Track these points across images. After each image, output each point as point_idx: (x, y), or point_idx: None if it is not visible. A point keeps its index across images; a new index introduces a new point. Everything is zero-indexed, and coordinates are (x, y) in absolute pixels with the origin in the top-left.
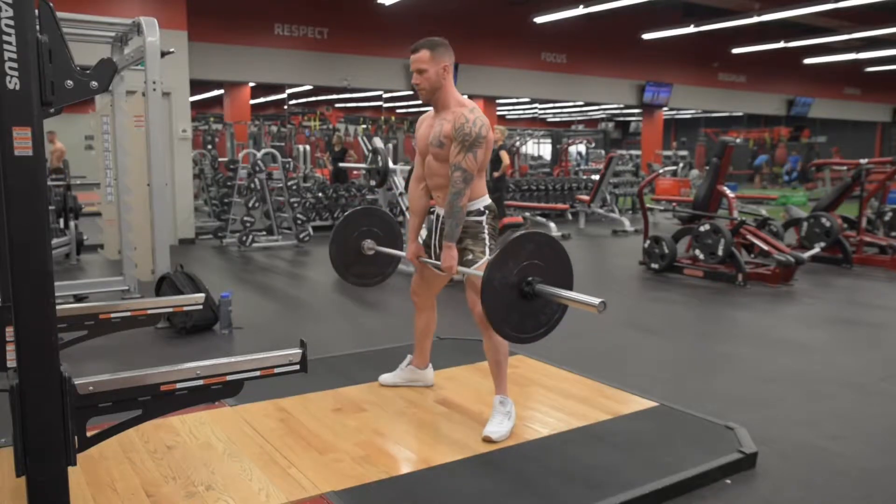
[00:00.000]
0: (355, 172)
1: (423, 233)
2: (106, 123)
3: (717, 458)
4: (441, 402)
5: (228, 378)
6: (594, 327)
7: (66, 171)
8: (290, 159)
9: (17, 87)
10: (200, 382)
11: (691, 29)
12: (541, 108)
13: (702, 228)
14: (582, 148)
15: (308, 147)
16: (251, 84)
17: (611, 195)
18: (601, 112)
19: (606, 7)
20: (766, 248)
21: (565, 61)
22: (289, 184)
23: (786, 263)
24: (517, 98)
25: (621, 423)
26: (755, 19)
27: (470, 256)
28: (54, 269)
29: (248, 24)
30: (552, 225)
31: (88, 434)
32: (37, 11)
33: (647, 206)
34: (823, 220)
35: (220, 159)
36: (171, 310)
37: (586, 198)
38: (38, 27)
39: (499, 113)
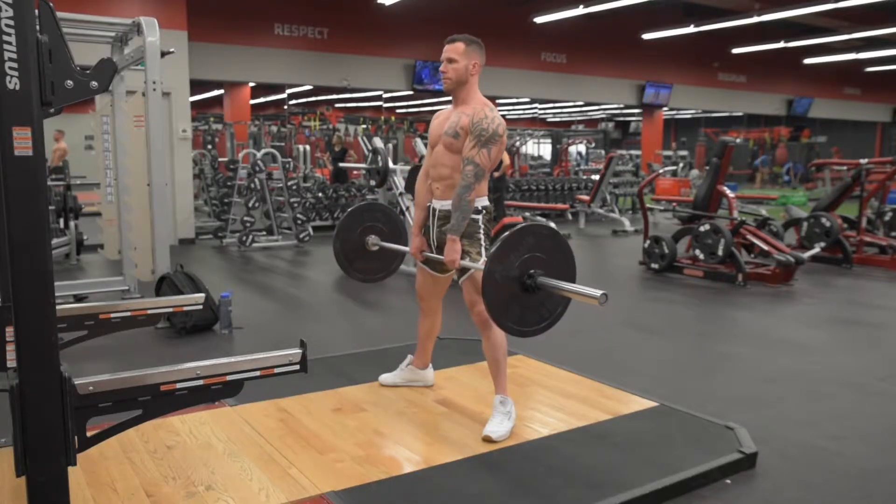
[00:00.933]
0: (355, 172)
1: None
2: (106, 123)
3: (717, 458)
4: (441, 402)
5: (228, 378)
6: (594, 327)
7: (66, 171)
8: (290, 159)
9: (17, 87)
10: (200, 382)
11: (691, 29)
12: (541, 108)
13: (702, 228)
14: (582, 148)
15: (308, 147)
16: (251, 84)
17: (611, 195)
18: (601, 112)
19: (606, 7)
20: (766, 248)
21: (565, 61)
22: (289, 184)
23: (786, 263)
24: (517, 98)
25: (621, 423)
26: (755, 19)
27: (467, 259)
28: (54, 269)
29: (248, 24)
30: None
31: (88, 434)
32: (37, 11)
33: (647, 206)
34: (823, 220)
35: (220, 159)
36: (171, 310)
37: (586, 198)
38: (38, 27)
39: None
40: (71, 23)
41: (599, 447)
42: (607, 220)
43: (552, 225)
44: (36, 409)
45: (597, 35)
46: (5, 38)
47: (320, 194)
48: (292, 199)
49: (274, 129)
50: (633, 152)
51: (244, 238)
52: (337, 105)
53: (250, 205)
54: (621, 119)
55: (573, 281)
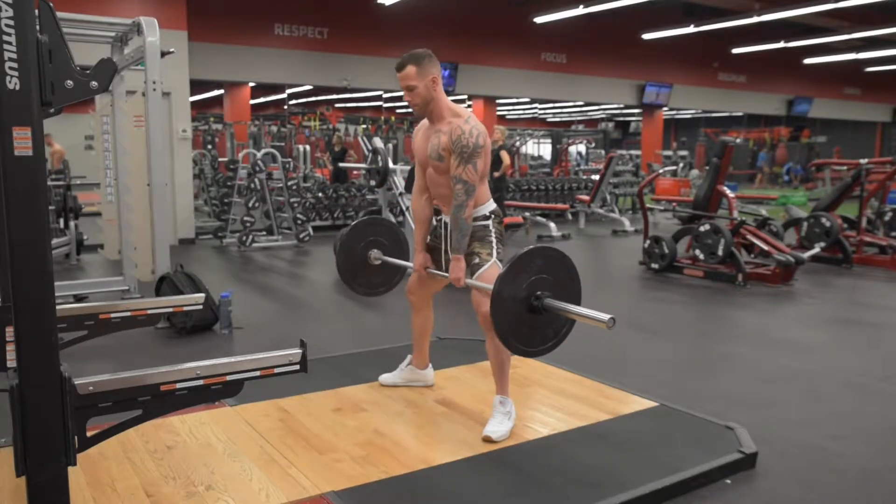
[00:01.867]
0: (355, 172)
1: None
2: (106, 123)
3: (717, 458)
4: (441, 402)
5: (228, 378)
6: (594, 327)
7: (66, 171)
8: (290, 159)
9: (17, 87)
10: (200, 382)
11: (691, 29)
12: (541, 108)
13: (702, 228)
14: (582, 148)
15: (308, 147)
16: (251, 84)
17: (611, 195)
18: (601, 112)
19: (606, 7)
20: (766, 248)
21: (565, 61)
22: (289, 184)
23: (786, 263)
24: (517, 98)
25: (621, 423)
26: (755, 19)
27: (477, 260)
28: (54, 269)
29: (248, 24)
30: (552, 225)
31: (88, 434)
32: (37, 11)
33: (647, 206)
34: (823, 220)
35: (220, 159)
36: (171, 310)
37: (586, 198)
38: (38, 27)
39: (499, 113)
40: (71, 23)
41: (599, 447)
42: (607, 220)
43: (552, 226)
44: (36, 409)
45: (597, 35)
46: (5, 38)
47: (320, 194)
48: (292, 199)
49: (274, 129)
50: (633, 152)
51: (244, 238)
52: (337, 105)
53: (250, 205)
54: (621, 119)
55: (578, 303)
